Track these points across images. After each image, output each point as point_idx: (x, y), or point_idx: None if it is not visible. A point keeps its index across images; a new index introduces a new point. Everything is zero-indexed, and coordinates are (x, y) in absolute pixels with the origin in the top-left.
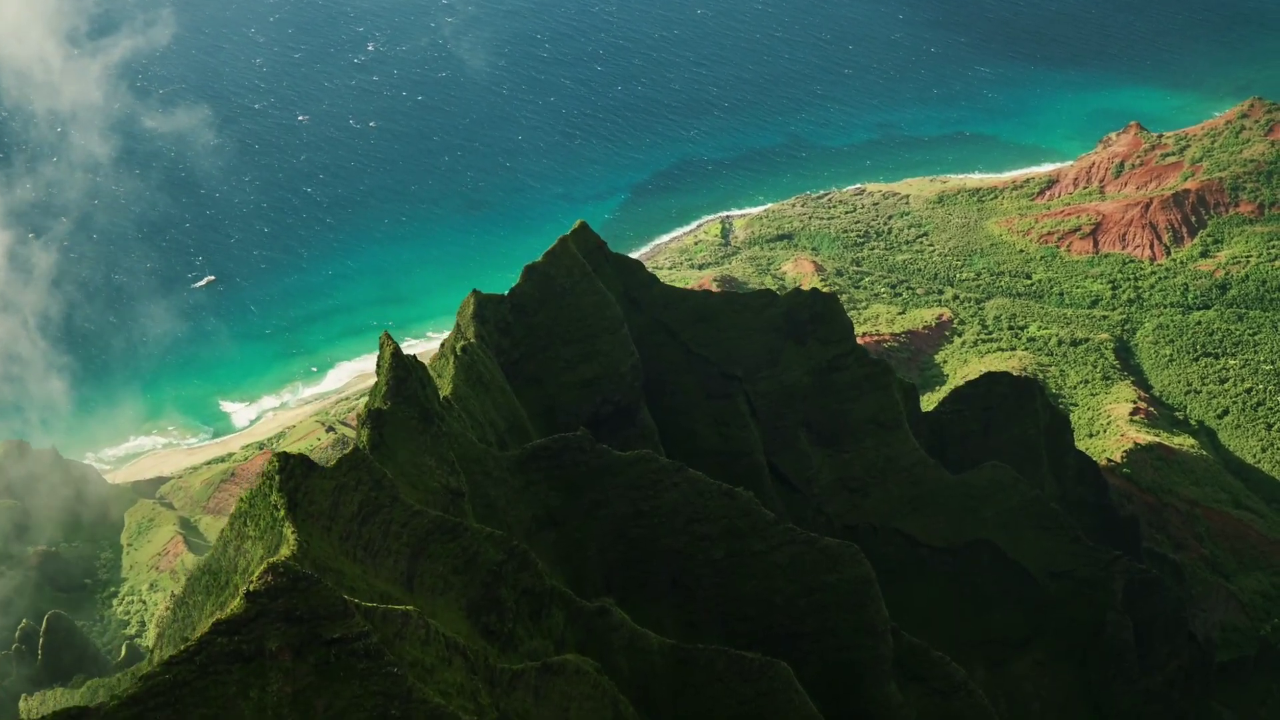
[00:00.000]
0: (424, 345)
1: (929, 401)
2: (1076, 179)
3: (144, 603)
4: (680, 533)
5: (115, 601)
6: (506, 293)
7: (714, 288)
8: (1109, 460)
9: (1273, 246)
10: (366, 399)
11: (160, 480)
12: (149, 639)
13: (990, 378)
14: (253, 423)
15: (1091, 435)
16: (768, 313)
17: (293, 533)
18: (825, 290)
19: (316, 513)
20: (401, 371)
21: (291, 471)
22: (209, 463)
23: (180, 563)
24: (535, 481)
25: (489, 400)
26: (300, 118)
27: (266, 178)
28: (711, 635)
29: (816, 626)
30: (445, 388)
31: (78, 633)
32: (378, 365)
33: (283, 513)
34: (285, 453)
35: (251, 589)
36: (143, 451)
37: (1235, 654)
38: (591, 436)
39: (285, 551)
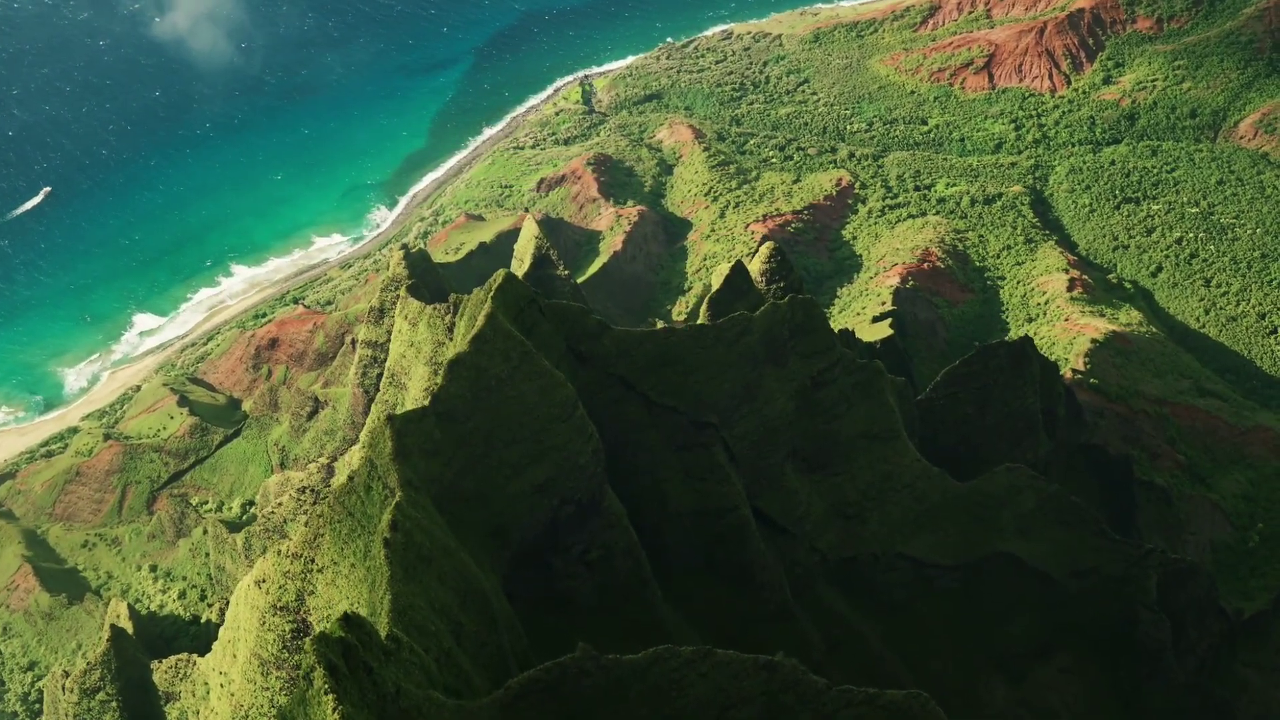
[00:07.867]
0: (283, 263)
1: (848, 304)
2: (960, 3)
3: None
4: None
5: None
6: (429, 401)
7: (589, 173)
8: (1074, 372)
9: (1177, 68)
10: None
11: None
12: (10, 701)
13: (985, 352)
14: (87, 388)
15: (1031, 320)
16: (743, 342)
17: None
18: (705, 154)
19: None
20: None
21: None
22: (45, 444)
23: (34, 601)
24: None
25: (433, 579)
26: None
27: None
28: None
29: None
30: (375, 599)
31: None
32: (306, 700)
33: None
34: None
35: None
36: None
37: (1241, 595)
38: (596, 654)
39: None
